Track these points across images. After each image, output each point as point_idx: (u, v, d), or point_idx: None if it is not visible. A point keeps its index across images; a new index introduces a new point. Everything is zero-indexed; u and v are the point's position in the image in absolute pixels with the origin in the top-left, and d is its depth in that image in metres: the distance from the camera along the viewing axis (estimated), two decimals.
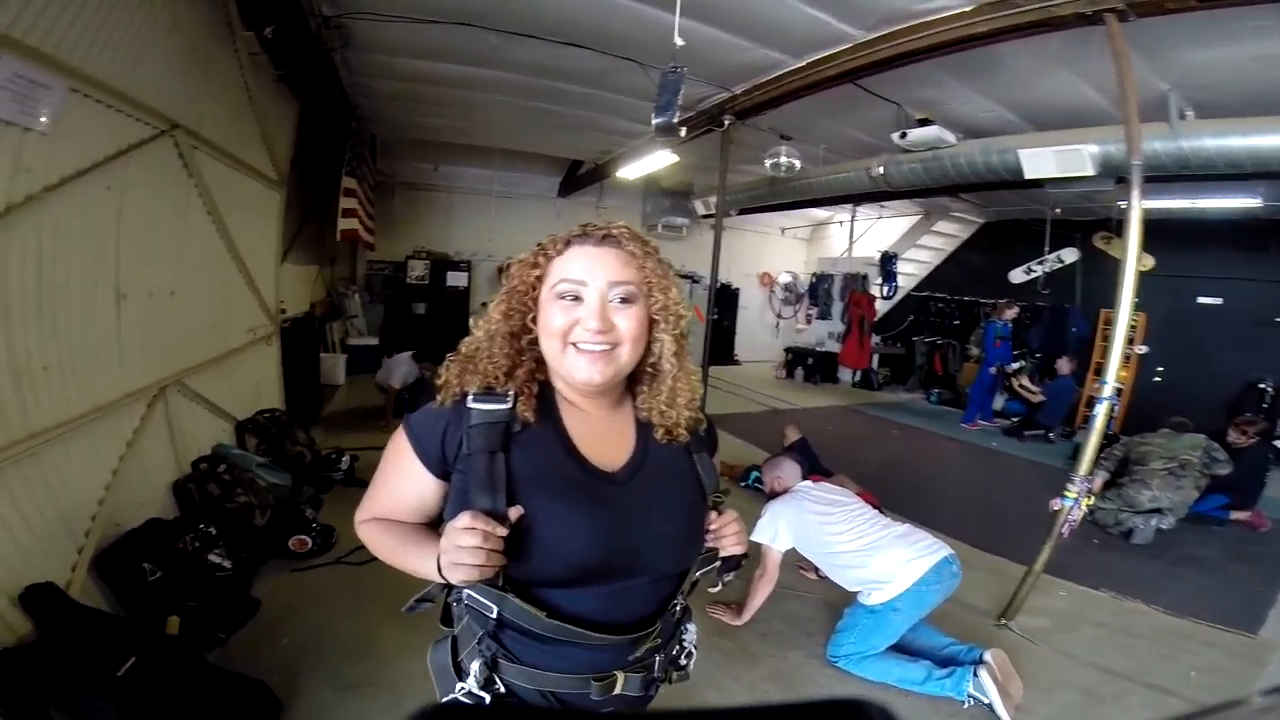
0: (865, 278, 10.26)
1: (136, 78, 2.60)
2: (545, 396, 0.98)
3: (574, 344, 0.92)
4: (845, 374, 10.58)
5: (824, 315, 10.81)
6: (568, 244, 0.96)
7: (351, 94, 5.63)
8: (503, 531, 0.83)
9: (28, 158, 2.05)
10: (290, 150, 5.00)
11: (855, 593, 2.71)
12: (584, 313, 0.91)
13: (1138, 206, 2.81)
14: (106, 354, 2.59)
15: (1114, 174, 4.54)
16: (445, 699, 0.95)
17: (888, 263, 10.18)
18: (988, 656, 2.48)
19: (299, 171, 5.48)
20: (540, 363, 0.99)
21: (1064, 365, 7.49)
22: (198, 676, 2.01)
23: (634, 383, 1.03)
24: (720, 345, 11.00)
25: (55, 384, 2.25)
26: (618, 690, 0.94)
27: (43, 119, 2.04)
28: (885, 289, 10.29)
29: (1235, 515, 4.73)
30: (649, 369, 1.01)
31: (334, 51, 4.37)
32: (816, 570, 3.04)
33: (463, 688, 0.93)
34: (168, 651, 2.04)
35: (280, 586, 2.94)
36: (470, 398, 0.93)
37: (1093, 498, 3.03)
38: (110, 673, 1.76)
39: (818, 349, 10.71)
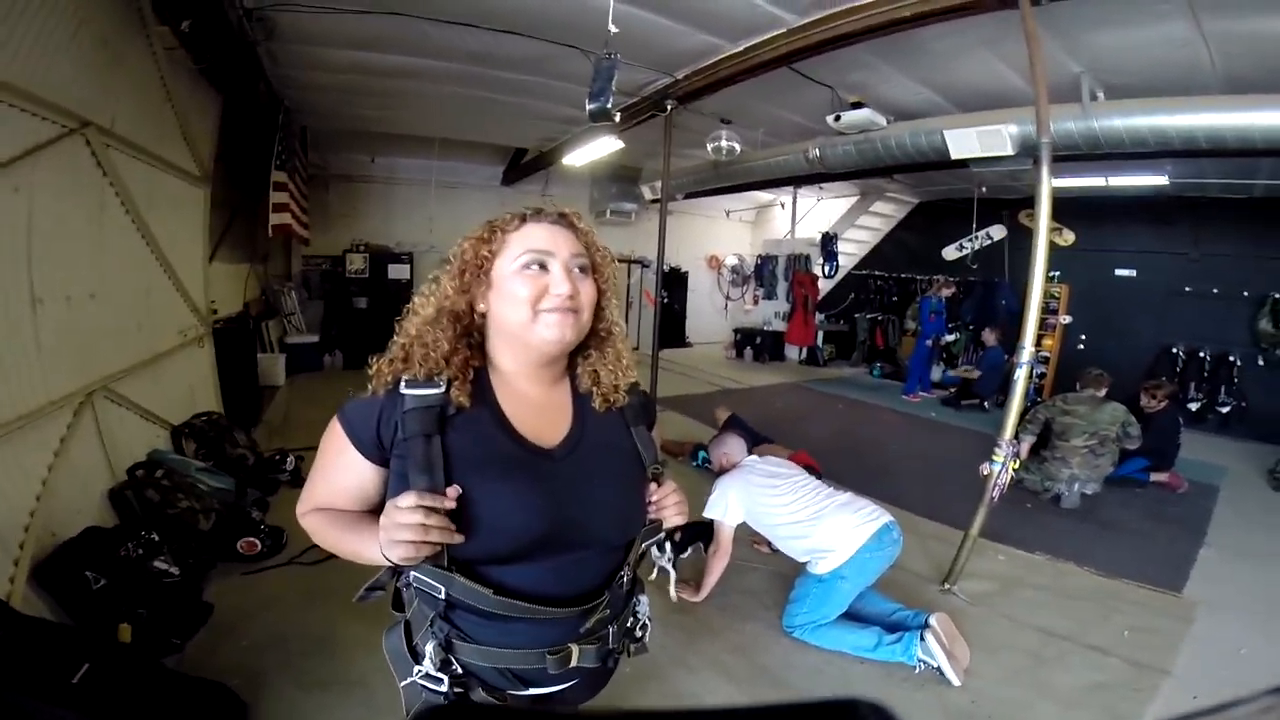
0: (808, 258, 10.51)
1: (39, 75, 2.44)
2: (480, 381, 1.00)
3: (542, 311, 0.95)
4: (792, 352, 10.86)
5: (770, 295, 11.04)
6: (523, 220, 1.00)
7: (278, 86, 5.39)
8: (449, 504, 0.85)
9: None
10: (214, 145, 4.78)
11: (804, 563, 2.79)
12: (553, 279, 0.96)
13: (1046, 181, 2.98)
14: (25, 361, 2.45)
15: (1032, 153, 4.75)
16: (404, 683, 0.96)
17: (828, 243, 10.43)
18: (932, 621, 2.55)
19: (225, 167, 5.24)
20: (474, 349, 1.01)
21: (989, 337, 7.82)
22: (156, 681, 1.96)
23: (575, 354, 1.07)
24: (671, 328, 11.11)
25: None
26: (574, 663, 0.96)
27: None
28: (827, 268, 10.54)
29: (1155, 477, 4.95)
30: (601, 333, 1.06)
31: (257, 44, 4.16)
32: (769, 544, 3.12)
33: (420, 670, 0.93)
34: (122, 658, 1.98)
35: (232, 590, 2.87)
36: (403, 384, 0.95)
37: (1018, 461, 3.17)
38: (65, 680, 1.70)
39: (765, 328, 10.93)
